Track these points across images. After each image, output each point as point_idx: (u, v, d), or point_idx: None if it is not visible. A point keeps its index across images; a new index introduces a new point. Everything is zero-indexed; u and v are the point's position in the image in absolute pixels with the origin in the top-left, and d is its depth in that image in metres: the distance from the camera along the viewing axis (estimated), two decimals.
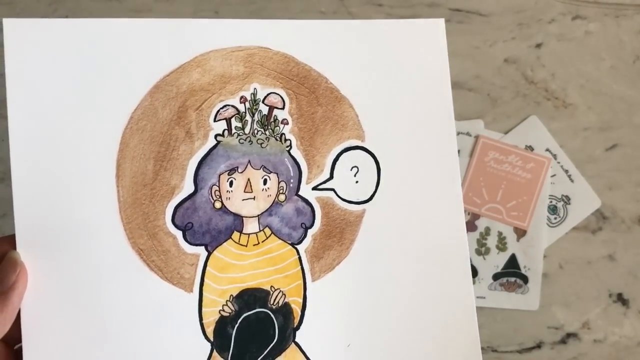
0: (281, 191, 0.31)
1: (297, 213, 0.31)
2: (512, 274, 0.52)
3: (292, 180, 0.31)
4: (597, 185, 0.54)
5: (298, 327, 0.30)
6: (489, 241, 0.53)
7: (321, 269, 0.31)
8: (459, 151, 0.53)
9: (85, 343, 0.27)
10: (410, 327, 0.31)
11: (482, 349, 0.34)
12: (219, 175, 0.30)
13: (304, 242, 0.31)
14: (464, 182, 0.53)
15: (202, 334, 0.29)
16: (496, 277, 0.52)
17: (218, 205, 0.30)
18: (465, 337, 0.31)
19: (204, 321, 0.29)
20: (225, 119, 0.30)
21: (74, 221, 0.27)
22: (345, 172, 0.32)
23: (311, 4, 0.51)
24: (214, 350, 0.29)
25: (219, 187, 0.30)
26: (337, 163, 0.32)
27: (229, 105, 0.30)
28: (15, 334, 0.27)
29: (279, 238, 0.30)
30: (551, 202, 0.54)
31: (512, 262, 0.52)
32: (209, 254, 0.29)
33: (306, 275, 0.31)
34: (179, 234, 0.29)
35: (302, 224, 0.31)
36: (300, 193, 0.31)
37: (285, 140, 0.31)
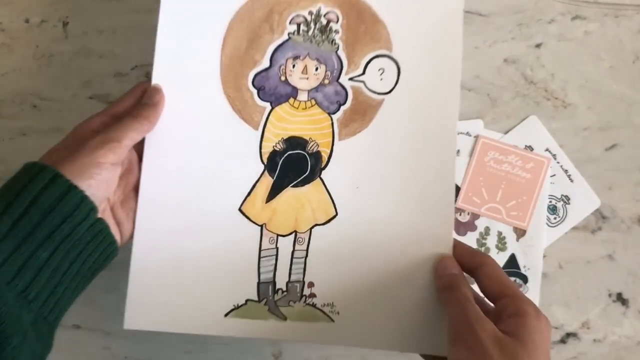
0: (327, 77, 0.44)
1: (335, 93, 0.44)
2: (511, 273, 0.51)
3: (335, 71, 0.44)
4: (596, 185, 0.53)
5: (324, 168, 0.43)
6: (489, 241, 0.52)
7: (346, 133, 0.44)
8: (458, 151, 0.53)
9: (181, 154, 0.42)
10: (398, 182, 0.43)
11: None
12: (287, 59, 0.44)
13: (337, 113, 0.44)
14: (464, 182, 0.54)
15: (259, 158, 0.43)
16: None
17: (283, 78, 0.44)
18: (441, 198, 0.43)
19: (262, 150, 0.43)
20: (296, 23, 0.44)
21: (190, 70, 0.43)
22: (374, 71, 0.45)
23: None
24: (266, 170, 0.43)
25: (285, 66, 0.44)
26: (369, 64, 0.45)
27: (300, 14, 0.44)
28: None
29: (320, 107, 0.44)
30: (551, 202, 0.52)
31: (512, 262, 0.52)
32: (272, 108, 0.44)
33: (335, 135, 0.44)
34: (254, 92, 0.44)
35: (337, 101, 0.44)
36: (339, 80, 0.44)
37: (335, 43, 0.44)
